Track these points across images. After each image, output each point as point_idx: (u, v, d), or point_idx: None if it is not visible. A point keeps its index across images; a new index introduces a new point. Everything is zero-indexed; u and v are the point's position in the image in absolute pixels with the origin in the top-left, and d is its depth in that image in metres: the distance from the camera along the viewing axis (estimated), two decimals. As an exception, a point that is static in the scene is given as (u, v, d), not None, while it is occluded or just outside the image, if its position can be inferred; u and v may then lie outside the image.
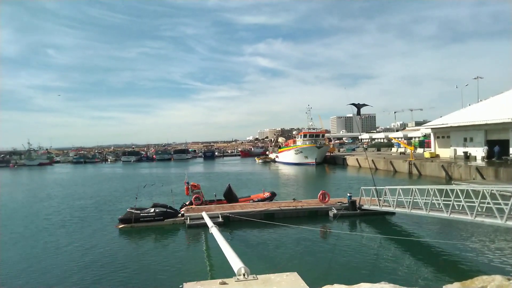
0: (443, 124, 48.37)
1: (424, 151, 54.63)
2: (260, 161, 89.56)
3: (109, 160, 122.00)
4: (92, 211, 27.25)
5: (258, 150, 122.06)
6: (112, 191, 40.13)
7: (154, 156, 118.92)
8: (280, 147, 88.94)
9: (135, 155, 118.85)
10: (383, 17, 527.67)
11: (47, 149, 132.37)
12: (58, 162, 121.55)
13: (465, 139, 44.46)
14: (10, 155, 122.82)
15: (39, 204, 31.99)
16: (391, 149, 76.02)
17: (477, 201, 13.56)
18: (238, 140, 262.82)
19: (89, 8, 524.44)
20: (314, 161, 66.99)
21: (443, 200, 15.44)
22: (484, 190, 13.47)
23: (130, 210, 21.70)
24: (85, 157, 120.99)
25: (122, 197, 34.03)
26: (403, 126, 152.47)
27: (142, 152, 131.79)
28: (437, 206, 15.98)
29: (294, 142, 77.91)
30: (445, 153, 47.54)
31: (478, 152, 41.57)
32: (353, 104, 29.13)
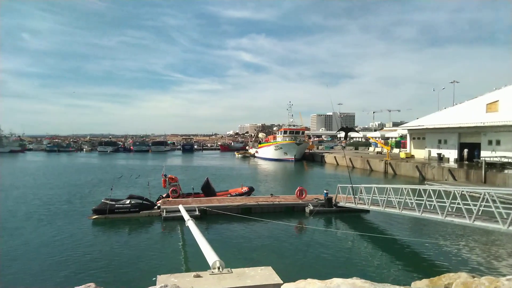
0: (419, 125, 49.61)
1: (400, 151, 55.92)
2: (239, 156, 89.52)
3: (84, 149, 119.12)
4: (65, 202, 26.56)
5: (238, 145, 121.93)
6: (86, 181, 39.21)
7: (131, 147, 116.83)
8: (260, 143, 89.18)
9: (112, 145, 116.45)
10: (365, 18, 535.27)
11: (19, 136, 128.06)
12: (30, 150, 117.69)
13: (440, 141, 45.80)
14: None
15: (7, 194, 30.92)
16: (368, 148, 77.44)
17: (448, 202, 14.01)
18: (218, 134, 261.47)
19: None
20: (293, 157, 67.51)
21: (416, 200, 15.87)
22: (455, 191, 13.93)
23: (105, 201, 21.29)
24: (59, 145, 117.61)
25: (97, 188, 33.32)
26: (381, 126, 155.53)
27: (120, 143, 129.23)
28: (410, 205, 16.41)
29: (274, 138, 78.30)
30: (420, 154, 48.82)
31: (451, 154, 42.94)
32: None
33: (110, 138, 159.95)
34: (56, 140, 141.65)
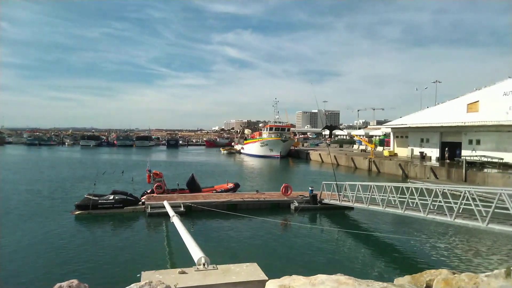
0: (402, 124, 50.42)
1: (383, 149, 56.74)
2: (225, 152, 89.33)
3: (66, 143, 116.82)
4: (46, 197, 26.05)
5: (224, 141, 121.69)
6: (68, 176, 38.49)
7: (115, 141, 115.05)
8: (246, 139, 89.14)
9: (95, 139, 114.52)
10: (351, 16, 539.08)
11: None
12: (10, 143, 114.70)
13: (422, 140, 46.67)
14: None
15: (-12, 187, 30.12)
16: (353, 146, 78.31)
17: (430, 199, 14.34)
18: (204, 130, 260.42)
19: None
20: (278, 154, 67.75)
21: (399, 197, 16.18)
22: (437, 189, 14.25)
23: (88, 196, 20.97)
24: (40, 139, 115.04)
25: (79, 183, 32.75)
26: (365, 124, 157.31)
27: (103, 137, 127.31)
28: (393, 203, 16.72)
29: (260, 134, 78.38)
30: (403, 152, 49.67)
31: (433, 153, 43.82)
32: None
33: (93, 132, 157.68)
34: (37, 133, 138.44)
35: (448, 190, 14.41)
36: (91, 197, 20.88)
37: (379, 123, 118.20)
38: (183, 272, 6.84)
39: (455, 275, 3.58)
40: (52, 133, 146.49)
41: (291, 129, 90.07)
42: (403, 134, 51.81)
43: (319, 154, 61.84)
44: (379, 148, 60.22)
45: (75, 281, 4.23)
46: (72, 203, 21.75)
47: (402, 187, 16.73)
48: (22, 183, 32.87)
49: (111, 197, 21.25)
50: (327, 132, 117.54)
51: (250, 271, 6.97)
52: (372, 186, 17.88)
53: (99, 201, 20.79)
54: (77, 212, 20.34)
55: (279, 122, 77.50)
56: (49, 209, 21.93)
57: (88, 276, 11.55)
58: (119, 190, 23.25)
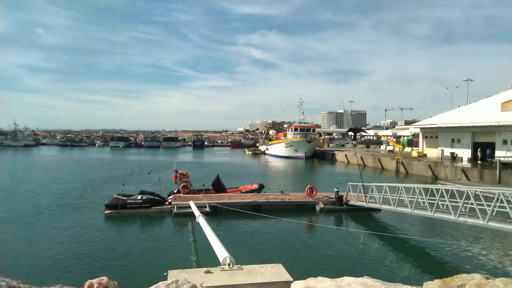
0: (432, 124, 48.96)
1: (412, 150, 55.31)
2: (250, 152, 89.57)
3: (97, 144, 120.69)
4: (78, 196, 26.99)
5: (248, 142, 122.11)
6: (99, 176, 39.74)
7: (143, 143, 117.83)
8: (270, 140, 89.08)
9: (123, 140, 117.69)
10: (378, 14, 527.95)
11: (33, 131, 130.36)
12: (44, 144, 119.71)
13: (453, 140, 45.13)
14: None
15: (23, 188, 31.54)
16: (380, 147, 76.75)
17: (461, 202, 13.84)
18: (229, 131, 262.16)
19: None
20: (303, 155, 67.29)
21: (428, 199, 15.72)
22: (469, 191, 13.75)
23: (117, 196, 21.56)
24: (72, 140, 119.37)
25: (109, 183, 33.74)
26: (393, 125, 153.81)
27: (131, 138, 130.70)
28: (422, 205, 16.26)
29: (285, 135, 78.10)
30: (433, 153, 48.21)
31: (465, 154, 42.29)
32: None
33: (122, 134, 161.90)
34: (69, 135, 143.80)
35: (481, 192, 13.84)
36: (120, 197, 21.46)
37: (408, 123, 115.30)
38: (209, 272, 6.91)
39: (489, 280, 3.44)
40: (84, 135, 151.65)
41: (316, 129, 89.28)
42: (433, 134, 50.29)
43: (345, 155, 60.97)
44: (407, 149, 58.71)
45: (105, 278, 4.36)
46: (102, 203, 22.44)
47: (432, 188, 16.23)
48: (55, 183, 34.20)
49: (139, 197, 21.75)
50: (350, 133, 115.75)
51: (275, 272, 6.96)
52: (400, 187, 17.45)
53: (128, 201, 21.33)
54: (106, 212, 20.95)
55: (304, 123, 76.95)
56: (80, 208, 22.70)
57: (117, 274, 11.86)
58: (146, 190, 23.77)
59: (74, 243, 15.61)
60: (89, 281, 4.15)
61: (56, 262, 13.34)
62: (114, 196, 21.90)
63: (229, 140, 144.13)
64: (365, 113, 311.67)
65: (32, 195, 27.33)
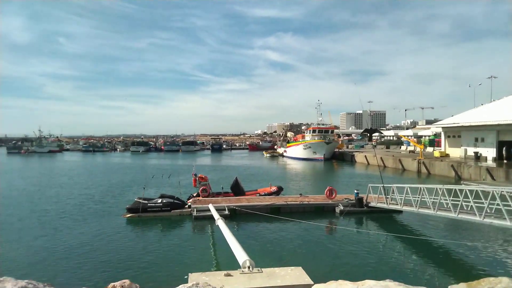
0: (454, 123, 47.78)
1: (434, 150, 54.08)
2: (268, 155, 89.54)
3: (118, 149, 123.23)
4: (100, 200, 27.58)
5: (266, 144, 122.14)
6: (120, 180, 40.52)
7: (162, 147, 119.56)
8: (288, 142, 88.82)
9: (144, 145, 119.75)
10: (395, 13, 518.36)
11: (57, 137, 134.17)
12: (67, 150, 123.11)
13: (476, 139, 43.90)
14: (22, 141, 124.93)
15: (47, 192, 32.46)
16: (400, 147, 75.42)
17: (486, 202, 13.41)
18: (246, 134, 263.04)
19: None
20: (322, 156, 66.78)
21: (452, 200, 15.31)
22: (494, 191, 13.32)
23: (138, 200, 21.92)
24: (94, 146, 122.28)
25: (130, 187, 34.36)
26: (414, 124, 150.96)
27: (151, 143, 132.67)
28: (445, 206, 15.85)
29: (303, 137, 77.75)
30: (455, 152, 47.02)
31: (489, 153, 41.06)
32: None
33: (142, 138, 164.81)
34: (92, 140, 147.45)
35: (507, 192, 13.37)
36: (140, 200, 21.80)
37: (429, 122, 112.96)
38: (229, 275, 6.94)
39: (517, 284, 3.32)
40: (105, 140, 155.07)
41: (335, 131, 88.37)
42: (456, 134, 49.04)
43: (365, 156, 60.15)
44: (429, 149, 57.44)
45: (127, 281, 4.43)
46: (123, 206, 22.86)
47: (455, 189, 15.80)
48: (80, 186, 35.08)
49: (159, 200, 22.04)
50: (374, 134, 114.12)
51: (295, 275, 6.92)
52: (422, 188, 17.07)
53: (148, 204, 21.64)
54: (128, 215, 21.31)
55: (322, 124, 76.43)
56: (102, 212, 23.17)
57: (138, 276, 12.03)
58: (166, 194, 24.05)
59: (97, 247, 15.93)
60: (112, 284, 4.23)
61: (80, 265, 13.63)
62: (135, 200, 22.28)
63: (247, 143, 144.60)
64: (385, 113, 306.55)
65: (55, 199, 28.08)
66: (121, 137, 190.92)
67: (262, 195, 25.73)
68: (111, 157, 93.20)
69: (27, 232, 18.58)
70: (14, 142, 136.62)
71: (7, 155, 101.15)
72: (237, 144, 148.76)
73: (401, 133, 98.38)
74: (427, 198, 16.70)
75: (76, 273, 12.88)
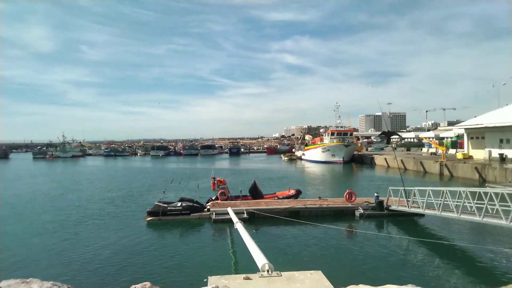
0: (477, 124, 46.51)
1: (456, 152, 52.79)
2: (286, 158, 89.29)
3: (138, 154, 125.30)
4: (122, 203, 28.10)
5: (284, 148, 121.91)
6: (140, 184, 41.20)
7: (181, 151, 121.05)
8: (306, 145, 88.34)
9: (163, 149, 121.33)
10: (414, 13, 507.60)
11: (80, 142, 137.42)
12: (90, 154, 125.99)
13: (501, 141, 42.60)
14: (47, 147, 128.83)
15: (70, 195, 33.30)
16: (421, 149, 73.92)
17: (512, 205, 12.98)
18: (264, 137, 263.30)
19: (120, 5, 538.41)
20: (341, 159, 66.09)
21: (476, 203, 14.89)
22: (521, 194, 12.88)
23: (158, 204, 22.22)
24: (115, 150, 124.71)
25: (150, 191, 34.87)
26: (435, 126, 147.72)
27: (170, 147, 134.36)
28: (469, 209, 15.43)
29: (321, 140, 77.14)
30: (479, 154, 45.73)
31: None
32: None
33: (161, 143, 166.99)
34: (113, 145, 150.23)
35: (535, 195, 12.93)
36: (161, 204, 22.09)
37: (451, 124, 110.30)
38: (248, 278, 6.95)
39: (546, 290, 3.21)
40: (126, 145, 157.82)
41: (354, 133, 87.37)
42: (479, 135, 47.71)
43: (385, 158, 59.19)
44: (451, 151, 56.09)
45: (148, 284, 4.51)
46: (144, 209, 23.23)
47: (480, 192, 15.37)
48: (102, 190, 35.87)
49: (179, 204, 22.28)
50: (393, 136, 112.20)
51: (315, 279, 6.87)
52: (445, 191, 16.67)
53: (168, 208, 21.91)
54: (148, 218, 21.63)
55: (341, 127, 75.67)
56: (124, 215, 23.61)
57: (159, 279, 12.18)
58: (186, 197, 24.30)
59: (118, 249, 16.22)
60: (133, 286, 4.31)
61: (101, 268, 13.90)
62: (155, 203, 22.59)
63: (265, 146, 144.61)
64: (405, 115, 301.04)
65: (79, 202, 28.77)
66: (142, 142, 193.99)
67: (280, 199, 25.67)
68: (131, 161, 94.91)
69: (50, 235, 19.09)
70: (39, 147, 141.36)
71: (33, 160, 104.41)
72: (255, 148, 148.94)
73: (422, 135, 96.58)
74: (450, 201, 16.31)
75: (98, 275, 13.13)
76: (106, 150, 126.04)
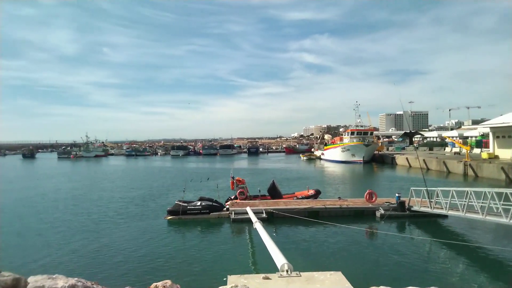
0: (504, 122, 44.98)
1: (481, 151, 51.21)
2: (305, 158, 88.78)
3: (159, 153, 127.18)
4: (143, 202, 28.60)
5: (303, 147, 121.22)
6: (161, 183, 41.82)
7: (201, 151, 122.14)
8: (326, 145, 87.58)
9: (183, 149, 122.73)
10: (436, 10, 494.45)
11: (102, 142, 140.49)
12: (112, 154, 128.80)
13: (530, 140, 41.08)
14: (71, 147, 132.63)
15: (93, 194, 34.13)
16: (444, 149, 72.12)
17: (541, 207, 12.51)
18: (283, 137, 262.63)
19: (141, 8, 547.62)
20: (361, 159, 65.21)
21: (502, 204, 14.40)
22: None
23: (178, 203, 22.50)
24: (136, 150, 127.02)
25: (170, 190, 35.35)
26: (459, 125, 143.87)
27: (190, 147, 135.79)
28: (495, 211, 14.95)
29: (341, 139, 76.31)
30: (506, 154, 44.23)
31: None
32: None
33: (181, 143, 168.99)
34: (134, 145, 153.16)
35: None
36: (181, 203, 22.37)
37: (475, 122, 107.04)
38: (267, 278, 6.94)
39: None
40: (147, 145, 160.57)
41: (374, 132, 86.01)
42: (506, 134, 46.14)
43: (406, 158, 58.05)
44: (476, 150, 54.47)
45: (168, 282, 4.57)
46: (165, 208, 23.56)
47: (506, 193, 14.86)
48: (124, 188, 36.60)
49: (199, 203, 22.49)
50: (416, 136, 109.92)
51: (335, 280, 6.80)
52: (469, 192, 16.20)
53: (188, 207, 22.15)
54: (169, 217, 21.93)
55: (361, 126, 74.62)
56: (145, 214, 24.03)
57: (179, 277, 12.31)
58: (205, 196, 24.51)
59: (140, 247, 16.51)
60: (154, 284, 4.38)
61: (123, 265, 14.18)
62: (176, 202, 22.88)
63: (284, 146, 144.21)
64: (427, 114, 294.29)
65: (102, 201, 29.44)
66: (162, 142, 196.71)
67: (299, 199, 25.55)
68: (152, 161, 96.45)
69: (73, 233, 19.61)
70: (64, 147, 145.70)
71: (58, 160, 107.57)
72: (274, 147, 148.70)
73: (445, 134, 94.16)
74: (474, 202, 15.84)
75: (119, 272, 13.40)
76: (127, 150, 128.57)
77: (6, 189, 38.68)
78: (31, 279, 4.83)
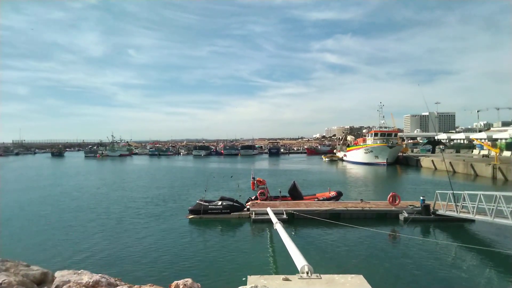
0: (536, 124, 43.20)
1: (511, 154, 49.36)
2: (326, 159, 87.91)
3: (181, 153, 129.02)
4: (165, 201, 29.06)
5: (325, 148, 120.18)
6: (183, 183, 42.38)
7: (222, 151, 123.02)
8: (348, 146, 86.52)
9: (205, 149, 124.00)
10: (464, 8, 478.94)
11: (127, 142, 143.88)
12: (136, 154, 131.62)
13: None
14: (97, 146, 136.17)
15: (117, 193, 34.93)
16: (472, 151, 69.91)
17: None
18: (304, 137, 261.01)
19: (164, 10, 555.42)
20: (385, 161, 64.05)
21: (534, 210, 13.82)
22: None
23: (199, 202, 22.76)
24: (159, 150, 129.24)
25: (192, 189, 35.76)
26: (487, 127, 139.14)
27: (212, 147, 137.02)
28: (526, 216, 14.35)
29: (364, 141, 75.16)
30: (538, 157, 42.45)
31: None
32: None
33: (203, 143, 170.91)
34: (157, 145, 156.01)
35: None
36: (202, 202, 22.61)
37: (505, 124, 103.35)
38: (287, 279, 6.93)
39: None
40: (170, 145, 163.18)
41: (399, 134, 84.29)
42: (538, 136, 44.32)
43: (432, 160, 56.58)
44: (506, 153, 52.52)
45: (189, 280, 4.64)
46: (186, 207, 23.89)
47: (538, 198, 14.26)
48: (147, 187, 37.32)
49: (220, 203, 22.66)
50: (441, 140, 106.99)
51: (356, 283, 6.72)
52: (498, 196, 15.61)
53: (209, 206, 22.36)
54: (190, 216, 22.20)
55: (385, 127, 73.29)
56: (167, 213, 24.40)
57: (199, 276, 12.45)
58: (226, 196, 24.67)
59: (161, 246, 16.79)
60: (175, 282, 4.45)
61: (145, 263, 14.44)
62: (197, 202, 23.16)
63: (305, 147, 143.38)
64: (454, 115, 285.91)
65: (126, 200, 30.09)
66: (184, 142, 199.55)
67: (320, 200, 25.33)
68: (175, 160, 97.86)
69: (97, 231, 20.12)
70: (90, 146, 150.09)
71: (84, 158, 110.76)
72: (295, 148, 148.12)
73: (473, 136, 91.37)
74: (504, 207, 15.25)
75: (142, 270, 13.65)
76: (151, 149, 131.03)
77: (33, 187, 40.14)
78: (58, 274, 5.01)
